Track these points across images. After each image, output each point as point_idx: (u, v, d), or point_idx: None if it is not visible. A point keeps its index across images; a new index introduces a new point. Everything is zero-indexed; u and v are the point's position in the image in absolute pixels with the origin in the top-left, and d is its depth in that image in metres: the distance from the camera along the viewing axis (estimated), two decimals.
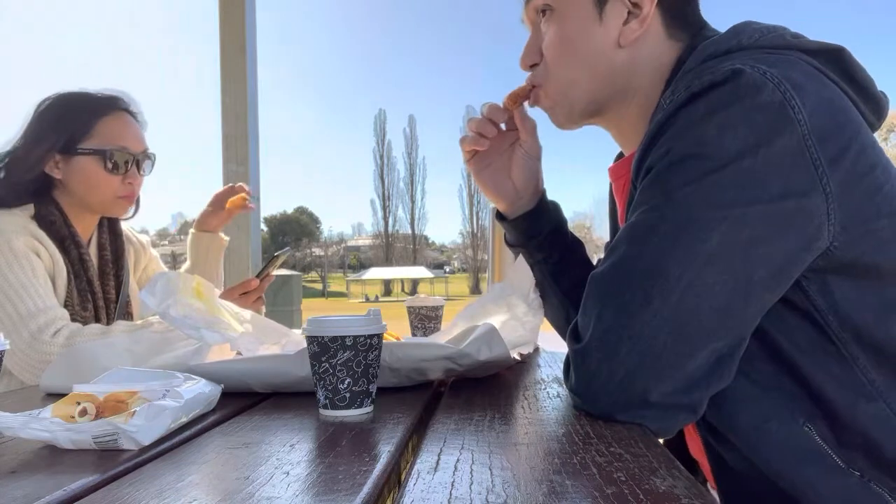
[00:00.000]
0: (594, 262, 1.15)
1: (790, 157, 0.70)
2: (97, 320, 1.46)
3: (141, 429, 0.62)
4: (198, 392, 0.74)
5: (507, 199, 1.03)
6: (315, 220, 73.82)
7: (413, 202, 68.33)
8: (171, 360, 0.94)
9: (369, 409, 0.76)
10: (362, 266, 66.44)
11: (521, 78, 0.98)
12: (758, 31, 0.82)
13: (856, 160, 0.72)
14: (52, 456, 0.62)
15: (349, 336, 0.72)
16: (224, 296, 1.41)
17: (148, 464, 0.58)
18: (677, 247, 0.70)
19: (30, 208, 1.40)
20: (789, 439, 0.75)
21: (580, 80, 0.91)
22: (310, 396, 0.80)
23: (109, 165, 1.43)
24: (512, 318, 1.09)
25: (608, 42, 0.89)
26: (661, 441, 0.68)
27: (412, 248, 68.11)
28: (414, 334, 1.49)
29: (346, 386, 0.73)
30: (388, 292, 54.00)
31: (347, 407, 0.74)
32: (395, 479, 0.57)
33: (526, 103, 0.98)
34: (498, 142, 1.01)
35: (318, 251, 70.34)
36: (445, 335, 1.06)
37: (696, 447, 0.91)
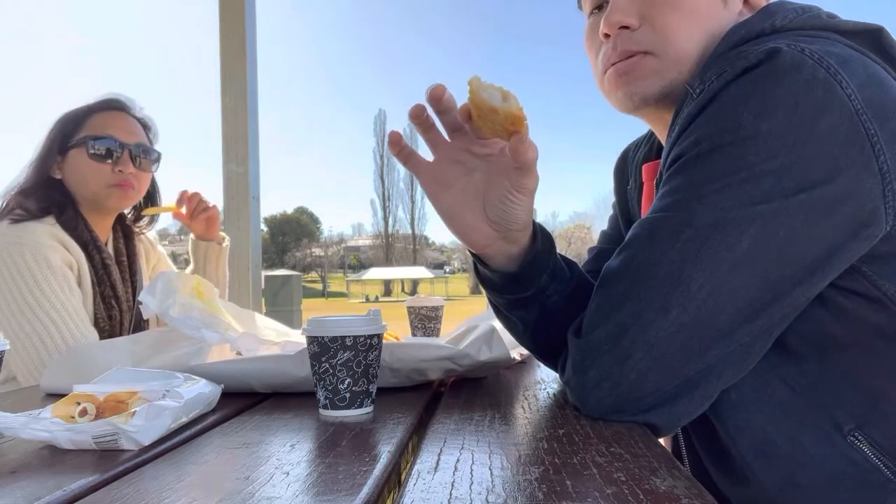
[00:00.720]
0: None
1: (841, 136, 0.64)
2: (120, 325, 1.46)
3: (141, 429, 0.62)
4: (198, 392, 0.74)
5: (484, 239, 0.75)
6: (315, 220, 73.81)
7: (413, 202, 68.36)
8: (171, 360, 0.94)
9: (369, 409, 0.76)
10: (362, 266, 66.43)
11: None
12: (793, 12, 0.76)
13: None
14: (52, 456, 0.62)
15: (349, 336, 0.72)
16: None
17: (148, 464, 0.58)
18: (703, 253, 0.65)
19: (53, 217, 1.40)
20: (827, 454, 0.71)
21: (696, 56, 0.80)
22: (310, 396, 0.80)
23: (93, 152, 1.43)
24: None
25: (724, 27, 0.80)
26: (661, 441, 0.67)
27: (412, 248, 68.11)
28: (414, 334, 1.49)
29: (346, 386, 0.73)
30: (388, 292, 53.99)
31: (347, 407, 0.74)
32: (395, 479, 0.57)
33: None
34: (460, 152, 0.73)
35: (318, 251, 70.33)
36: (446, 338, 1.06)
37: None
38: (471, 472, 0.53)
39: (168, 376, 0.77)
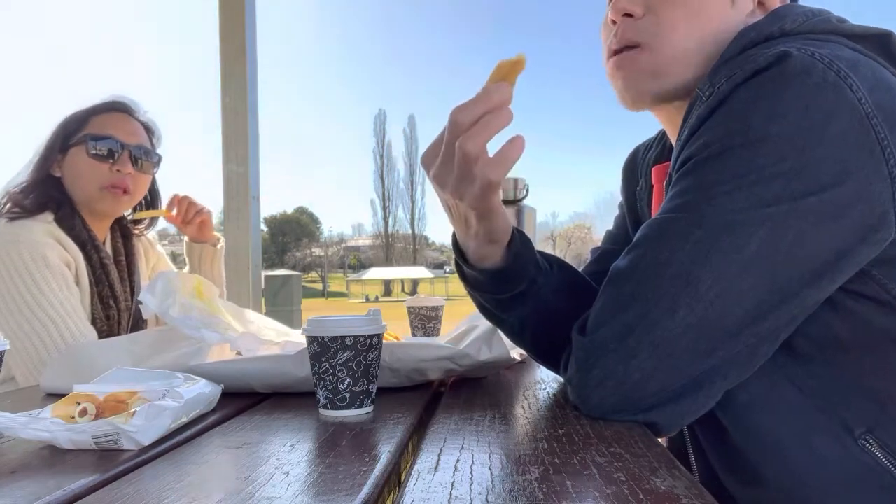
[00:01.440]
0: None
1: (851, 140, 0.64)
2: (118, 325, 1.46)
3: (141, 429, 0.62)
4: (198, 392, 0.74)
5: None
6: (315, 220, 73.82)
7: (413, 202, 68.44)
8: (171, 360, 0.94)
9: (369, 409, 0.76)
10: (362, 266, 66.44)
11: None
12: (802, 15, 0.76)
13: None
14: (52, 456, 0.62)
15: (349, 336, 0.72)
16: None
17: (148, 464, 0.58)
18: (712, 254, 0.65)
19: (50, 214, 1.40)
20: (838, 456, 0.71)
21: (693, 54, 0.80)
22: (310, 396, 0.80)
23: (93, 151, 1.43)
24: None
25: (732, 28, 0.80)
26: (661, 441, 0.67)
27: (412, 248, 68.11)
28: (414, 334, 1.49)
29: (346, 386, 0.73)
30: (388, 292, 53.98)
31: (347, 407, 0.74)
32: (395, 479, 0.57)
33: None
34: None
35: (318, 251, 70.33)
36: (446, 338, 1.06)
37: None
38: (471, 472, 0.53)
39: (168, 376, 0.77)
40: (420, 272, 56.86)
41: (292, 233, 69.16)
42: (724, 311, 0.66)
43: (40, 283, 1.29)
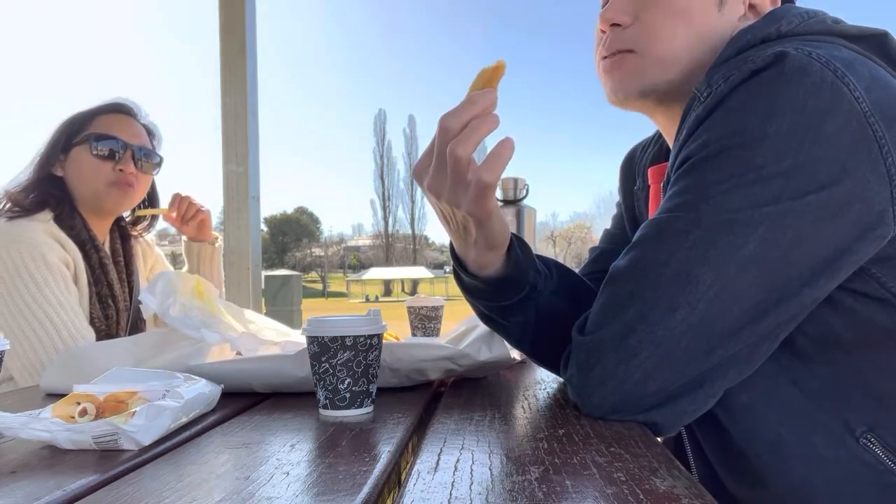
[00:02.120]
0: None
1: (849, 139, 0.64)
2: (117, 325, 1.46)
3: (141, 429, 0.62)
4: (198, 392, 0.74)
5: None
6: (315, 220, 73.83)
7: (413, 202, 68.40)
8: (170, 360, 0.94)
9: (369, 409, 0.76)
10: (362, 266, 66.44)
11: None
12: (798, 16, 0.77)
13: None
14: (52, 456, 0.62)
15: (349, 336, 0.72)
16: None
17: (148, 464, 0.58)
18: (710, 253, 0.65)
19: (49, 213, 1.41)
20: (839, 455, 0.71)
21: (681, 58, 0.82)
22: (310, 396, 0.80)
23: (96, 151, 1.44)
24: None
25: (721, 32, 0.82)
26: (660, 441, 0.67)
27: (412, 248, 68.12)
28: (414, 334, 1.49)
29: (346, 386, 0.73)
30: (388, 292, 53.99)
31: (347, 407, 0.74)
32: (395, 479, 0.57)
33: None
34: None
35: (318, 251, 70.34)
36: (446, 338, 1.06)
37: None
38: (471, 472, 0.53)
39: (168, 376, 0.77)
40: (420, 272, 56.87)
41: (292, 233, 69.18)
42: (723, 310, 0.66)
43: (39, 282, 1.29)
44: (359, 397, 0.74)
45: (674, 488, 0.48)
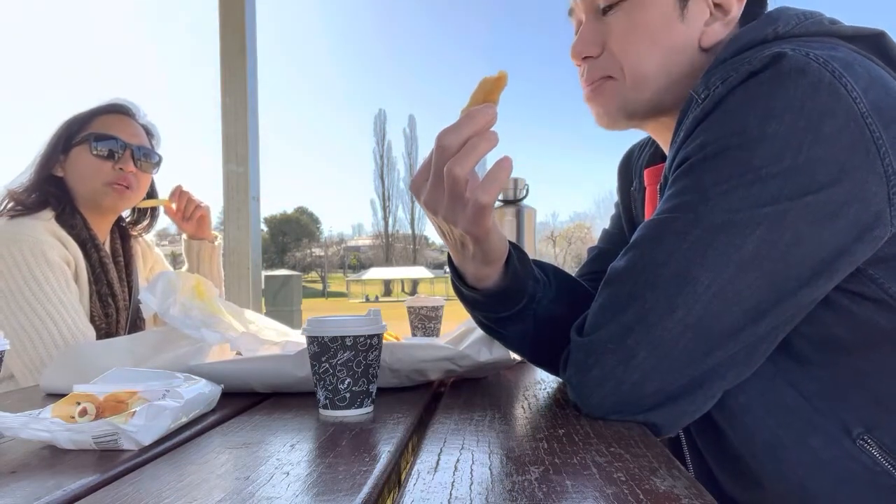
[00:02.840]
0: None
1: (847, 139, 0.64)
2: (116, 324, 1.47)
3: (141, 429, 0.62)
4: (198, 392, 0.74)
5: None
6: (315, 220, 73.82)
7: (413, 202, 68.28)
8: (171, 360, 0.94)
9: (369, 409, 0.76)
10: (362, 266, 66.44)
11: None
12: (795, 18, 0.78)
13: None
14: (52, 456, 0.62)
15: (349, 336, 0.72)
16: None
17: (148, 464, 0.58)
18: (709, 254, 0.65)
19: (51, 212, 1.41)
20: (836, 457, 0.71)
21: (656, 76, 0.84)
22: (310, 396, 0.80)
23: (96, 151, 1.45)
24: None
25: (690, 41, 0.83)
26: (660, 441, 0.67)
27: (412, 248, 68.12)
28: (414, 334, 1.49)
29: (346, 386, 0.73)
30: (388, 292, 53.98)
31: (347, 407, 0.74)
32: (395, 479, 0.57)
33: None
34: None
35: (318, 251, 70.35)
36: (446, 338, 1.06)
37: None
38: (471, 472, 0.53)
39: (168, 376, 0.77)
40: (420, 272, 56.85)
41: (292, 233, 69.18)
42: (722, 311, 0.66)
43: (40, 280, 1.29)
44: (359, 397, 0.74)
45: (674, 488, 0.48)
